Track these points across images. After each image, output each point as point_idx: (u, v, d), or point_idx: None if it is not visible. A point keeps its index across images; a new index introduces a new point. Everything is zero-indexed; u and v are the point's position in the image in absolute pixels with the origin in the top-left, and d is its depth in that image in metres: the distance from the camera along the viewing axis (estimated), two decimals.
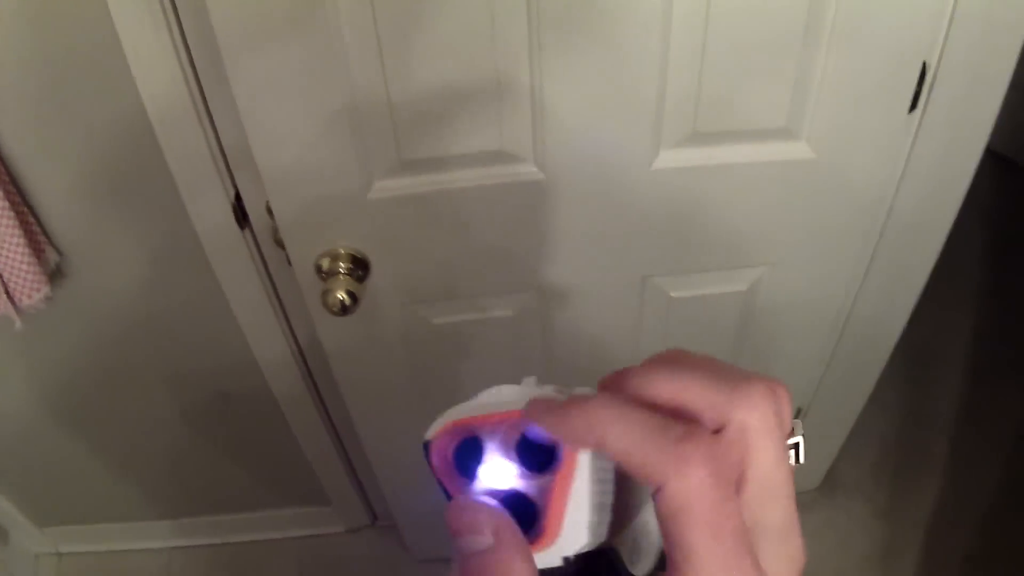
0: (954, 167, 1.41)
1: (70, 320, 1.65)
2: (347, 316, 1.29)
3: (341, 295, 1.27)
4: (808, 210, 1.40)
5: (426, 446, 0.42)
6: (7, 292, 1.41)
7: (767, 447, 0.38)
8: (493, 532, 0.37)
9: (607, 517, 0.41)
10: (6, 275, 1.39)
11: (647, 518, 0.44)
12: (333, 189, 1.24)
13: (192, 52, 1.21)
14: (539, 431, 0.40)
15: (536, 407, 0.39)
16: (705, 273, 1.51)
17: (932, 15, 1.18)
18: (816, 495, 2.49)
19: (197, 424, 2.01)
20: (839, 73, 1.20)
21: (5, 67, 1.21)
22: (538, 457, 0.41)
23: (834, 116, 1.25)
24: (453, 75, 1.13)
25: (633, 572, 0.46)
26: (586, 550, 0.41)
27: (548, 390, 0.42)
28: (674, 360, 0.41)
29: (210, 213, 1.41)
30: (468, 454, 0.42)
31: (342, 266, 1.31)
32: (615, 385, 0.41)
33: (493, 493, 0.41)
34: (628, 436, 0.35)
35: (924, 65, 1.24)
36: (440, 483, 0.42)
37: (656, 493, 0.35)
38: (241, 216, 1.42)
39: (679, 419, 0.37)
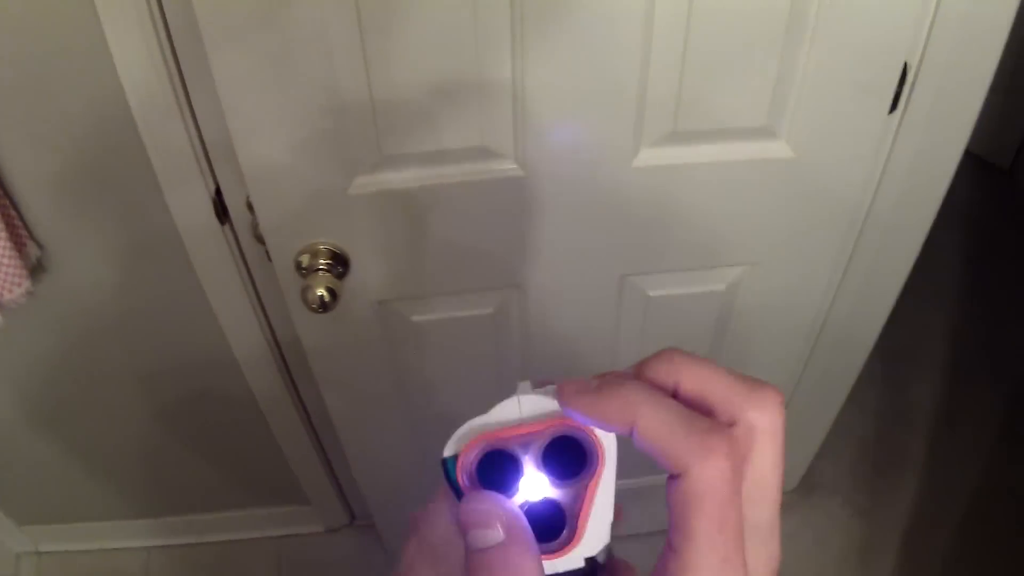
0: (933, 168, 1.42)
1: (50, 316, 1.64)
2: (327, 313, 1.29)
3: (321, 292, 1.26)
4: (787, 210, 1.40)
5: (446, 462, 0.42)
6: None
7: (769, 449, 0.40)
8: (504, 528, 0.38)
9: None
10: None
11: None
12: (314, 185, 1.24)
13: (175, 45, 1.20)
14: (571, 429, 0.41)
15: (569, 389, 0.41)
16: (684, 272, 1.51)
17: (914, 16, 1.19)
18: (794, 495, 2.50)
19: (176, 422, 2.00)
20: (820, 73, 1.20)
21: None
22: (564, 466, 0.42)
23: (814, 116, 1.26)
24: (435, 71, 1.13)
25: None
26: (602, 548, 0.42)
27: (550, 391, 0.43)
28: (691, 355, 0.42)
29: (190, 208, 1.41)
30: (490, 468, 0.42)
31: (322, 262, 1.31)
32: (638, 371, 0.42)
33: (522, 503, 0.42)
34: (659, 420, 0.37)
35: (905, 66, 1.25)
36: (459, 497, 0.42)
37: (675, 478, 0.37)
38: (221, 211, 1.42)
39: (702, 412, 0.39)
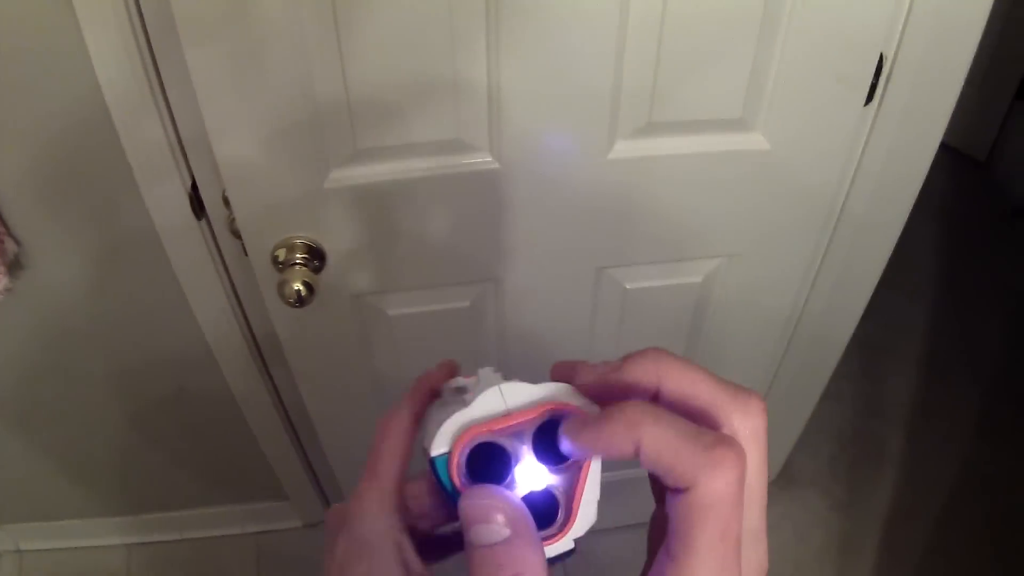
0: (909, 160, 1.43)
1: (27, 312, 1.63)
2: (303, 307, 1.28)
3: (297, 286, 1.26)
4: (763, 202, 1.41)
5: (435, 461, 0.41)
6: None
7: (755, 455, 0.40)
8: (508, 522, 0.38)
9: None
10: None
11: None
12: (289, 179, 1.23)
13: (151, 41, 1.19)
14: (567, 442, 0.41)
15: (571, 427, 0.40)
16: (660, 265, 1.51)
17: (890, 7, 1.20)
18: (772, 488, 2.50)
19: (154, 419, 1.99)
20: (795, 64, 1.20)
21: None
22: (553, 453, 0.42)
23: (790, 107, 1.26)
24: (410, 65, 1.13)
25: None
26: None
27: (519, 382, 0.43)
28: (677, 357, 0.43)
29: (167, 203, 1.40)
30: (480, 461, 0.41)
31: (298, 257, 1.30)
32: (623, 370, 0.43)
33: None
34: (664, 438, 0.37)
35: (881, 57, 1.25)
36: (451, 494, 0.41)
37: (680, 491, 0.37)
38: (197, 206, 1.41)
39: (685, 416, 0.39)
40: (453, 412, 0.42)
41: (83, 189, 1.40)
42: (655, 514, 0.42)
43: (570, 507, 0.42)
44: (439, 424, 0.43)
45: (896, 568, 2.36)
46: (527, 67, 1.15)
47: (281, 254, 1.30)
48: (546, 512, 0.41)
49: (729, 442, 0.37)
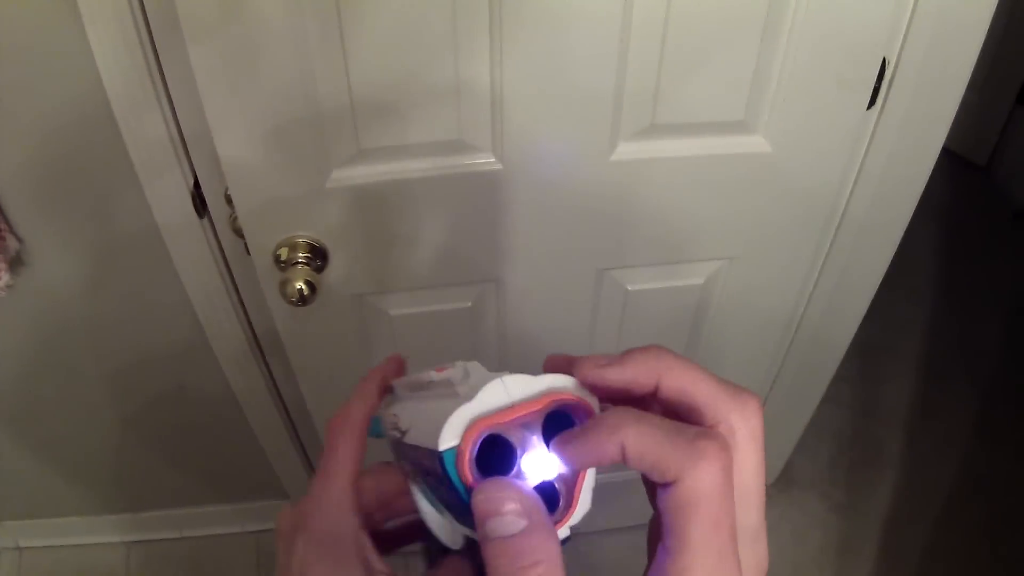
0: (911, 164, 1.43)
1: (29, 309, 1.63)
2: (305, 306, 1.28)
3: (300, 285, 1.26)
4: (764, 204, 1.41)
5: (443, 456, 0.40)
6: None
7: (752, 454, 0.41)
8: (525, 514, 0.38)
9: None
10: None
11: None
12: (292, 178, 1.23)
13: (154, 39, 1.19)
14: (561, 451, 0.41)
15: (560, 443, 0.41)
16: (662, 266, 1.51)
17: (893, 11, 1.20)
18: (772, 490, 2.51)
19: (155, 417, 1.99)
20: (798, 67, 1.21)
21: None
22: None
23: (792, 110, 1.26)
24: (413, 64, 1.13)
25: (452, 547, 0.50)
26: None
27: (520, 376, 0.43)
28: (676, 355, 0.43)
29: (169, 201, 1.40)
30: (488, 454, 0.41)
31: (301, 256, 1.30)
32: (623, 365, 0.43)
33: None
34: (647, 435, 0.38)
35: (884, 62, 1.25)
36: (456, 488, 0.40)
37: (668, 486, 0.37)
38: (200, 204, 1.41)
39: (683, 412, 0.41)
40: (446, 406, 0.42)
41: (85, 186, 1.41)
42: (653, 518, 0.42)
43: (571, 495, 0.42)
44: (432, 419, 0.43)
45: (895, 570, 2.36)
46: (530, 68, 1.15)
47: (283, 253, 1.31)
48: (548, 501, 0.41)
49: (711, 435, 0.38)
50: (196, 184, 1.38)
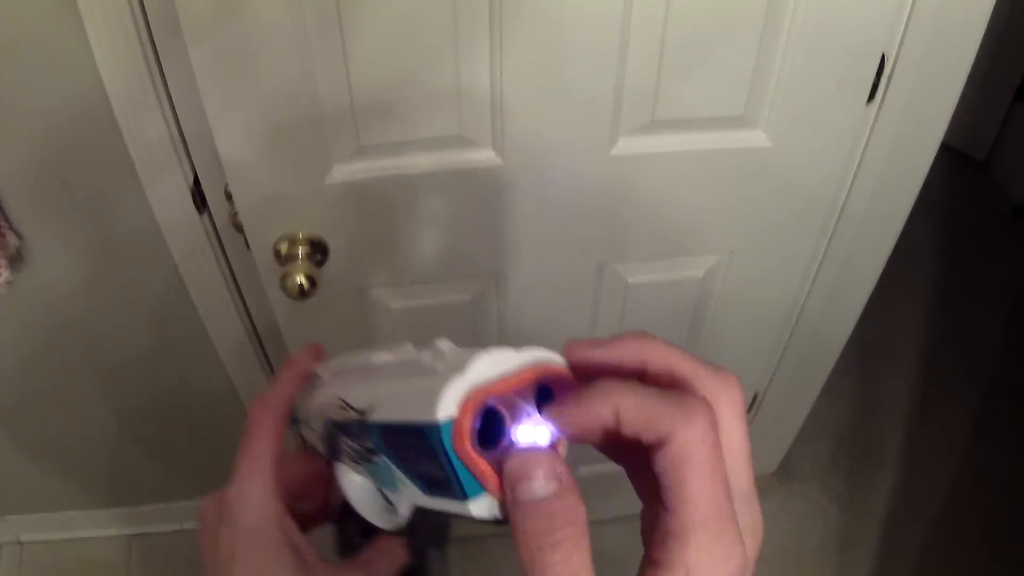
0: (910, 159, 1.43)
1: (29, 305, 1.64)
2: (306, 301, 1.29)
3: (300, 279, 1.26)
4: (764, 199, 1.41)
5: (441, 428, 0.39)
6: None
7: (735, 421, 0.42)
8: (556, 479, 0.39)
9: None
10: None
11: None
12: (292, 173, 1.24)
13: (154, 36, 1.20)
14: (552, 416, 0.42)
15: (554, 412, 0.41)
16: (662, 260, 1.52)
17: (892, 7, 1.20)
18: (772, 480, 2.51)
19: (156, 411, 1.99)
20: (797, 63, 1.21)
21: None
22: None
23: (792, 105, 1.27)
24: (413, 60, 1.13)
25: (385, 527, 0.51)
26: None
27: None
28: (661, 339, 0.45)
29: (169, 197, 1.40)
30: (484, 425, 0.41)
31: (301, 250, 1.31)
32: (611, 348, 0.45)
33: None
34: (638, 398, 0.40)
35: (883, 57, 1.25)
36: (451, 461, 0.40)
37: (661, 446, 0.39)
38: (200, 200, 1.41)
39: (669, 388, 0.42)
40: (426, 381, 0.42)
41: (85, 183, 1.41)
42: (643, 511, 0.43)
43: None
44: (411, 395, 0.43)
45: (896, 563, 2.36)
46: (530, 64, 1.15)
47: (283, 248, 1.31)
48: None
49: (697, 396, 0.40)
50: (196, 180, 1.39)
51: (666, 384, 0.43)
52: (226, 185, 1.33)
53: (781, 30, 1.17)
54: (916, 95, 1.32)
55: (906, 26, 1.22)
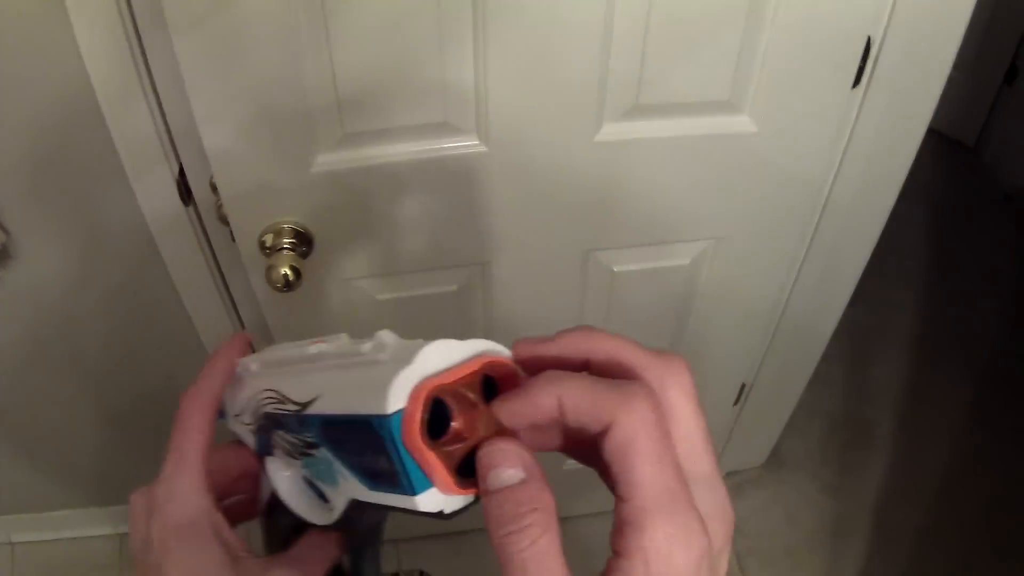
0: (897, 143, 1.43)
1: (16, 302, 1.63)
2: (291, 292, 1.28)
3: (285, 271, 1.26)
4: (750, 184, 1.41)
5: (391, 419, 0.39)
6: None
7: (687, 404, 0.42)
8: (523, 468, 0.39)
9: None
10: None
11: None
12: (276, 163, 1.23)
13: (139, 27, 1.19)
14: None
15: (502, 405, 0.42)
16: (648, 247, 1.52)
17: None
18: (762, 471, 2.52)
19: (144, 408, 1.99)
20: (783, 46, 1.21)
21: None
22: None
23: (777, 90, 1.27)
24: (397, 48, 1.13)
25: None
26: None
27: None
28: (603, 331, 0.45)
29: (154, 190, 1.40)
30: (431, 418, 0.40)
31: (286, 242, 1.30)
32: (555, 343, 0.45)
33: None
34: (580, 388, 0.40)
35: (868, 40, 1.25)
36: (399, 452, 0.39)
37: (605, 433, 0.39)
38: (185, 193, 1.41)
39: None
40: (371, 372, 0.42)
41: (71, 178, 1.40)
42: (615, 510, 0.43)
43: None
44: (356, 386, 0.43)
45: (888, 551, 2.36)
46: (514, 49, 1.15)
47: (268, 239, 1.30)
48: (467, 469, 0.41)
49: (637, 382, 0.40)
50: (181, 172, 1.38)
51: (613, 374, 0.43)
52: (211, 177, 1.32)
53: (766, 13, 1.17)
54: (902, 78, 1.32)
55: (892, 9, 1.22)
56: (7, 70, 1.23)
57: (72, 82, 1.24)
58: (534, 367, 0.44)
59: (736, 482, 2.45)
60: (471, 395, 0.42)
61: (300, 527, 0.54)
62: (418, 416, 0.39)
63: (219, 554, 0.49)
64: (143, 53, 1.22)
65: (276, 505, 0.55)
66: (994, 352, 2.92)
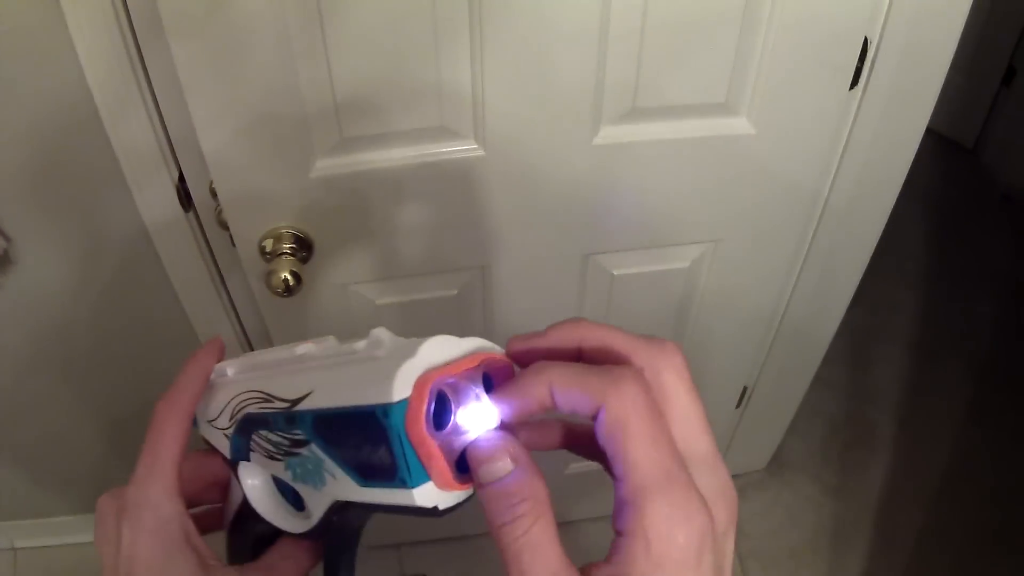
0: (895, 144, 1.43)
1: (16, 309, 1.63)
2: (291, 297, 1.28)
3: (285, 276, 1.26)
4: (749, 187, 1.41)
5: (393, 409, 0.39)
6: None
7: (681, 385, 0.43)
8: (514, 460, 0.40)
9: None
10: None
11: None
12: (276, 168, 1.23)
13: (137, 32, 1.19)
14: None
15: (499, 394, 0.43)
16: (647, 250, 1.52)
17: None
18: (764, 474, 2.51)
19: (145, 413, 1.98)
20: (780, 48, 1.21)
21: None
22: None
23: (774, 92, 1.27)
24: (394, 53, 1.13)
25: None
26: None
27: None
28: (596, 322, 0.46)
29: (154, 196, 1.40)
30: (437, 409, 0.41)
31: (286, 247, 1.30)
32: (546, 336, 0.46)
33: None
34: (570, 373, 0.41)
35: (866, 41, 1.25)
36: (401, 443, 0.40)
37: (597, 417, 0.39)
38: (185, 198, 1.41)
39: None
40: (368, 367, 0.43)
41: (71, 184, 1.40)
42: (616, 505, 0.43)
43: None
44: (354, 381, 0.44)
45: (890, 552, 2.36)
46: (511, 53, 1.15)
47: (268, 244, 1.30)
48: (461, 466, 0.42)
49: (625, 366, 0.42)
50: (181, 178, 1.38)
51: (605, 362, 0.44)
52: (211, 182, 1.32)
53: (762, 15, 1.17)
54: (900, 79, 1.32)
55: (888, 10, 1.23)
56: (7, 78, 1.23)
57: (71, 90, 1.24)
58: (528, 361, 0.44)
59: (738, 485, 2.40)
60: (473, 389, 0.42)
61: (270, 537, 0.55)
62: (423, 406, 0.39)
63: (191, 561, 0.49)
64: (142, 60, 1.22)
65: (246, 514, 0.55)
66: (994, 352, 2.92)
